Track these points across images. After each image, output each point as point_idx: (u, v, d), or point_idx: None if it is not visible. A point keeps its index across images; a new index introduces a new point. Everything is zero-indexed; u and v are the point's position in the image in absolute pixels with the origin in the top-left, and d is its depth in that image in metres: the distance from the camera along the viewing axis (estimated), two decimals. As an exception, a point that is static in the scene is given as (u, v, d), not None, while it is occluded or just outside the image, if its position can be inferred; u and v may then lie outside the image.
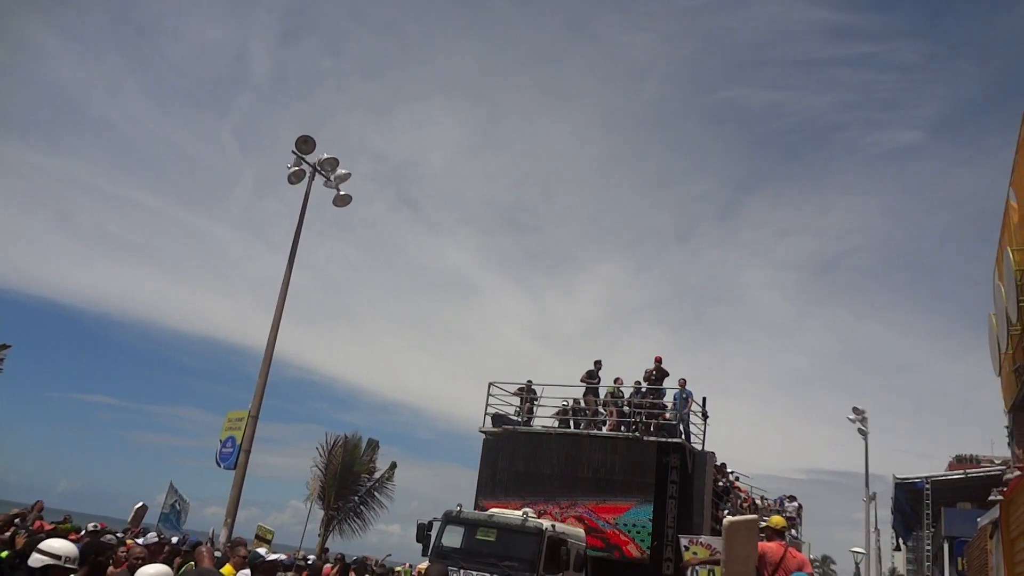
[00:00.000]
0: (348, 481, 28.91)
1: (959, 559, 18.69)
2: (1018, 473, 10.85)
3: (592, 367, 18.70)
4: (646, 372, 18.33)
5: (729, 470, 21.79)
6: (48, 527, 12.37)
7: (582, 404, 18.46)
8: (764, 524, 8.79)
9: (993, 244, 18.66)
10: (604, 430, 17.62)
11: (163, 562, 6.47)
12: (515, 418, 18.65)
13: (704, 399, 18.03)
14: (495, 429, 18.11)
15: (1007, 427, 19.77)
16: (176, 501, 18.71)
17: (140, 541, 9.27)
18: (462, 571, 12.58)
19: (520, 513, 13.70)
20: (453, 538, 13.76)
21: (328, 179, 16.71)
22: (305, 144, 16.20)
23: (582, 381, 18.49)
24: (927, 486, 22.73)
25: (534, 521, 13.30)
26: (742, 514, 17.03)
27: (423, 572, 16.03)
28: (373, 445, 30.04)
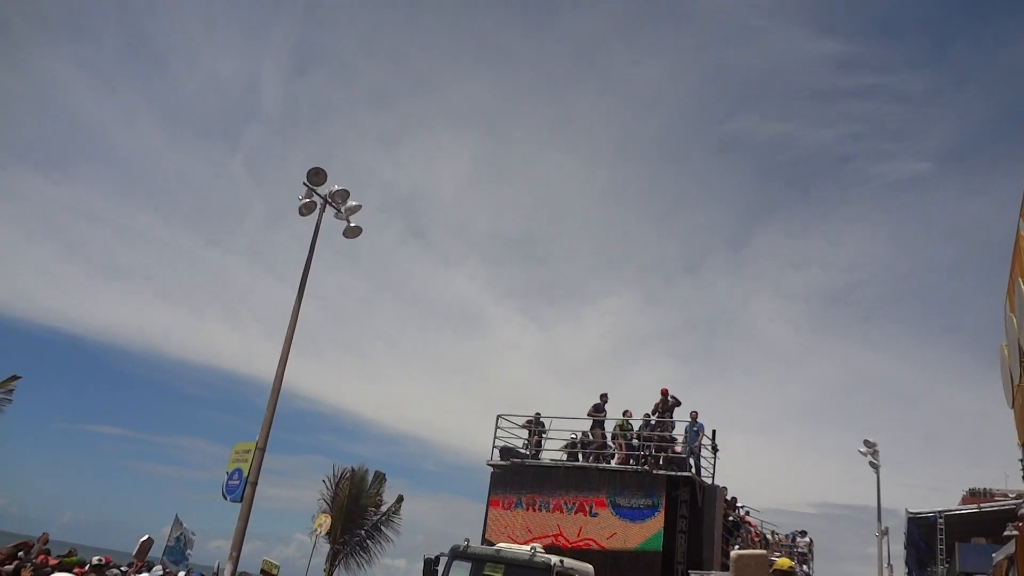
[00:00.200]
0: (354, 514, 28.69)
1: (974, 595, 18.37)
2: (1034, 508, 10.70)
3: (599, 400, 18.63)
4: (655, 405, 18.24)
5: (739, 504, 21.56)
6: (53, 561, 12.31)
7: (590, 437, 18.36)
8: (772, 568, 8.69)
9: (1004, 275, 18.59)
10: (613, 463, 17.50)
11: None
12: (523, 451, 18.55)
13: (714, 432, 17.92)
14: (503, 462, 18.01)
15: (1021, 460, 19.53)
16: (181, 534, 18.60)
17: (146, 575, 9.20)
18: (470, 607, 12.43)
19: (528, 548, 13.55)
20: (460, 574, 13.60)
21: (339, 211, 16.81)
22: (316, 176, 16.32)
23: (589, 415, 18.41)
24: (940, 520, 22.39)
25: (542, 556, 13.14)
26: (752, 549, 16.83)
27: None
28: (380, 478, 29.84)
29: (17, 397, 20.17)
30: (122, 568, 12.73)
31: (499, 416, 18.53)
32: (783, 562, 8.79)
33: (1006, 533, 13.27)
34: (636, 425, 18.20)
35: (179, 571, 10.70)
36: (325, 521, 26.38)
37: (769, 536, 22.36)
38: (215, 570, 14.98)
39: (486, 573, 13.30)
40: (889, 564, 30.26)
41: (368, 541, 29.35)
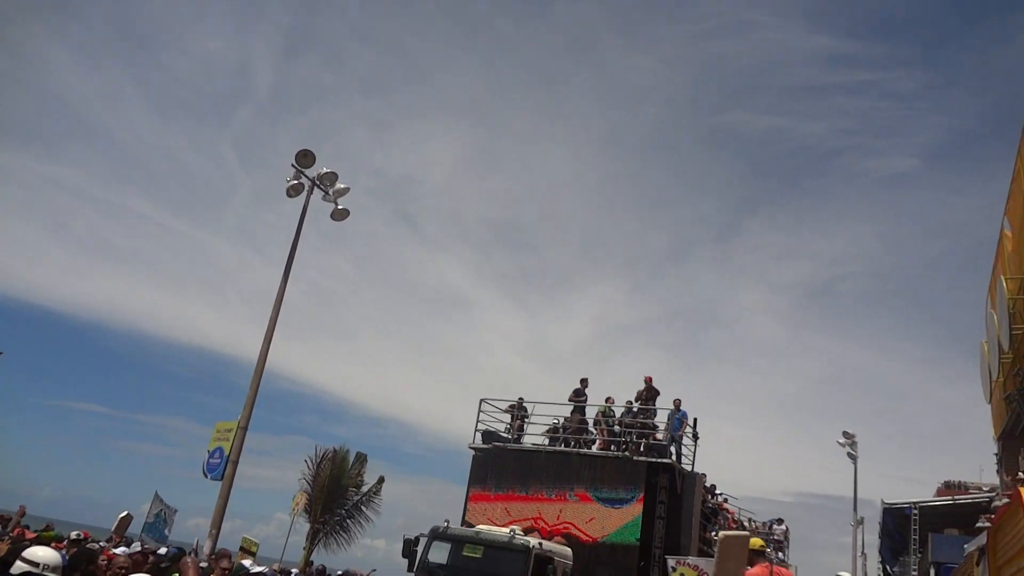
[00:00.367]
0: (335, 495, 28.73)
1: (945, 586, 18.65)
2: (1006, 500, 10.85)
3: (579, 385, 18.70)
4: (638, 392, 18.32)
5: (718, 491, 21.76)
6: (30, 535, 12.25)
7: (570, 422, 18.43)
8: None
9: (986, 273, 18.79)
10: (594, 449, 17.59)
11: (147, 572, 6.41)
12: (505, 435, 18.61)
13: (695, 420, 18.03)
14: (485, 445, 18.06)
15: (996, 454, 19.82)
16: (161, 511, 18.57)
17: (124, 550, 9.18)
18: (448, 587, 12.50)
19: (507, 530, 13.64)
20: (440, 554, 13.66)
21: (327, 193, 16.73)
22: (305, 158, 16.24)
23: (570, 400, 18.47)
24: (915, 511, 22.69)
25: (521, 539, 13.23)
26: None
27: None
28: (362, 459, 29.84)
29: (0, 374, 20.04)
30: (100, 543, 12.68)
31: (482, 400, 18.58)
32: (754, 542, 8.89)
33: (978, 525, 13.43)
34: (618, 412, 18.30)
35: (158, 548, 10.68)
36: (301, 499, 26.43)
37: (746, 523, 22.60)
38: (194, 547, 14.97)
39: (465, 554, 13.38)
40: (863, 553, 30.72)
41: (348, 521, 29.38)
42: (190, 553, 10.56)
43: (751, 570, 8.13)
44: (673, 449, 17.30)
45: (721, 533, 8.88)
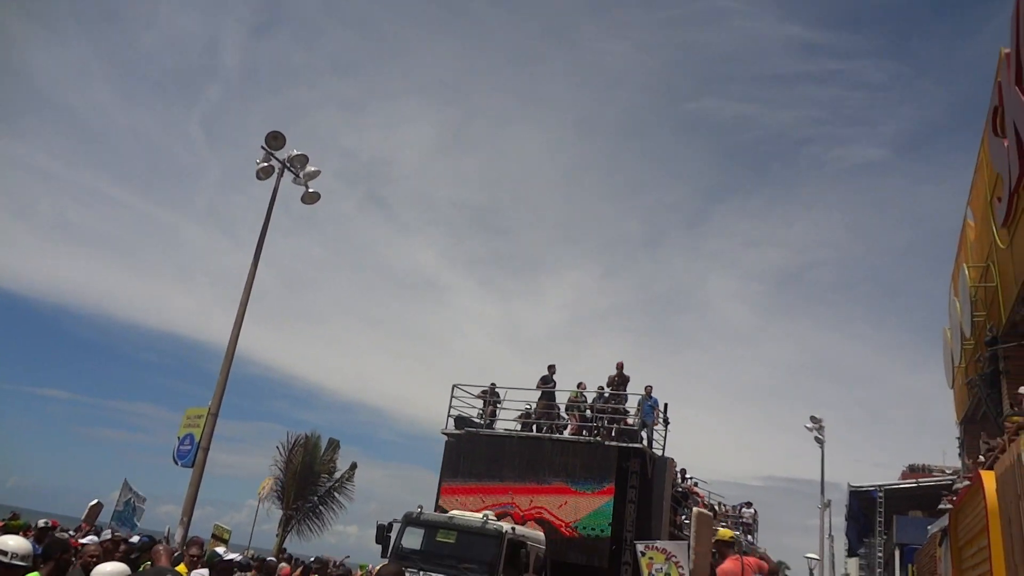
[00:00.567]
0: (308, 481, 28.68)
1: (909, 566, 19.06)
2: (967, 483, 11.12)
3: (546, 372, 18.78)
4: (609, 378, 18.46)
5: (688, 476, 22.02)
6: (-2, 523, 12.10)
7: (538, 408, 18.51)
8: (714, 539, 8.92)
9: (950, 261, 19.13)
10: (566, 434, 17.71)
11: (119, 561, 6.37)
12: (478, 421, 18.66)
13: (666, 405, 18.21)
14: (457, 431, 18.10)
15: (958, 438, 20.24)
16: (131, 499, 18.39)
17: (93, 539, 9.10)
18: (421, 573, 12.56)
19: (480, 515, 13.72)
20: (413, 540, 13.72)
21: (297, 176, 16.59)
22: (275, 140, 16.09)
23: (537, 387, 18.53)
24: (880, 494, 23.16)
25: (494, 524, 13.32)
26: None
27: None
28: (334, 445, 29.83)
29: (-40, 357, 19.66)
30: (69, 532, 12.56)
31: (454, 386, 18.60)
32: (724, 532, 9.04)
33: (941, 507, 13.75)
34: (590, 397, 18.42)
35: (129, 536, 10.60)
36: (267, 483, 26.34)
37: (716, 507, 22.91)
38: (165, 535, 14.87)
39: (439, 539, 13.45)
40: (830, 535, 31.28)
41: (321, 507, 29.39)
42: (161, 541, 10.49)
43: (723, 565, 8.26)
44: (644, 434, 17.47)
45: (695, 510, 9.06)
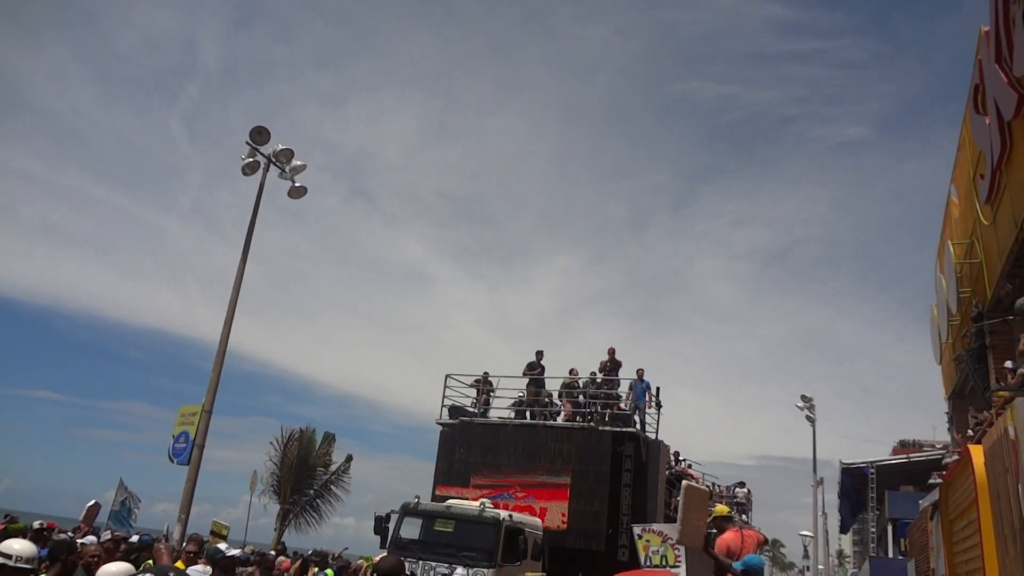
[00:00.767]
0: (304, 475, 28.71)
1: (902, 540, 19.32)
2: (957, 457, 11.28)
3: (533, 359, 18.84)
4: (601, 363, 18.56)
5: (681, 458, 22.21)
6: (-3, 527, 12.07)
7: (527, 395, 18.57)
8: (711, 516, 9.01)
9: (935, 235, 19.30)
10: (559, 420, 17.82)
11: (120, 560, 6.42)
12: (472, 410, 18.73)
13: (658, 389, 18.33)
14: (452, 421, 18.18)
15: (947, 413, 20.50)
16: (126, 498, 18.38)
17: (91, 540, 9.13)
18: (421, 562, 12.66)
19: (478, 504, 13.81)
20: (411, 530, 13.81)
21: (283, 171, 16.53)
22: (260, 135, 16.01)
23: (524, 374, 18.60)
24: (872, 471, 23.44)
25: (492, 511, 13.41)
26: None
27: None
28: (329, 439, 29.85)
29: (-52, 362, 19.56)
30: (68, 533, 12.56)
31: (448, 376, 18.66)
32: (721, 509, 9.16)
33: (931, 481, 13.94)
34: (583, 384, 18.52)
35: (134, 536, 10.63)
36: (255, 477, 26.32)
37: (710, 487, 23.12)
38: (164, 532, 14.90)
39: (437, 528, 13.54)
40: (824, 513, 31.64)
41: (318, 501, 29.44)
42: (160, 539, 10.53)
43: (723, 535, 8.38)
44: (637, 418, 17.60)
45: (685, 483, 9.11)
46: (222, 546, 8.60)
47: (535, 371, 18.64)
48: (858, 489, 25.29)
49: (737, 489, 25.01)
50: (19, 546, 4.48)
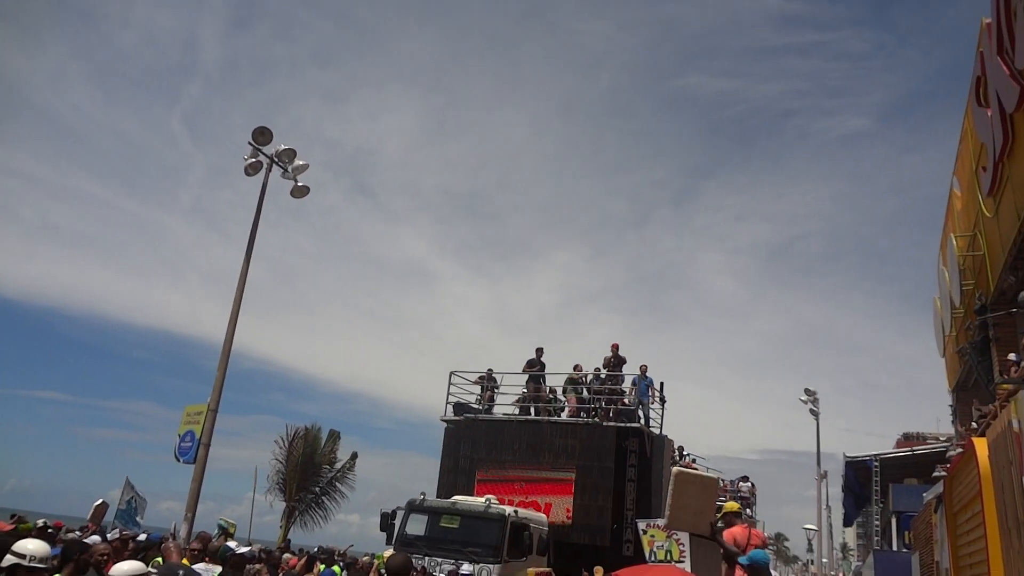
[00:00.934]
0: (309, 472, 28.78)
1: (906, 532, 19.38)
2: (961, 450, 11.30)
3: (533, 355, 18.88)
4: (605, 359, 18.59)
5: (686, 452, 22.23)
6: (6, 526, 12.15)
7: (528, 391, 18.59)
8: (722, 512, 9.09)
9: (938, 228, 19.29)
10: (564, 416, 17.85)
11: (130, 559, 6.47)
12: (476, 406, 18.78)
13: (661, 384, 18.37)
14: (456, 417, 18.22)
15: (951, 406, 20.51)
16: (132, 497, 18.45)
17: (96, 539, 9.18)
18: (427, 558, 12.71)
19: (483, 500, 13.86)
20: (417, 526, 13.87)
21: (286, 170, 16.57)
22: (262, 135, 16.05)
23: (524, 371, 18.64)
24: (876, 464, 23.48)
25: (497, 507, 13.46)
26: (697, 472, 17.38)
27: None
28: (334, 436, 29.91)
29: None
30: (75, 532, 12.63)
31: (452, 373, 18.70)
32: (731, 505, 9.22)
33: (935, 474, 13.96)
34: (587, 379, 18.55)
35: (142, 535, 10.70)
36: (256, 473, 26.34)
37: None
38: (172, 531, 14.97)
39: (443, 525, 13.60)
40: (828, 506, 31.72)
41: (323, 498, 29.52)
42: (168, 538, 10.59)
43: (732, 529, 8.43)
44: (641, 413, 17.63)
45: (674, 469, 9.14)
46: (232, 544, 8.65)
47: (535, 368, 18.69)
48: (862, 482, 25.33)
49: (741, 483, 25.03)
50: (33, 546, 4.52)
